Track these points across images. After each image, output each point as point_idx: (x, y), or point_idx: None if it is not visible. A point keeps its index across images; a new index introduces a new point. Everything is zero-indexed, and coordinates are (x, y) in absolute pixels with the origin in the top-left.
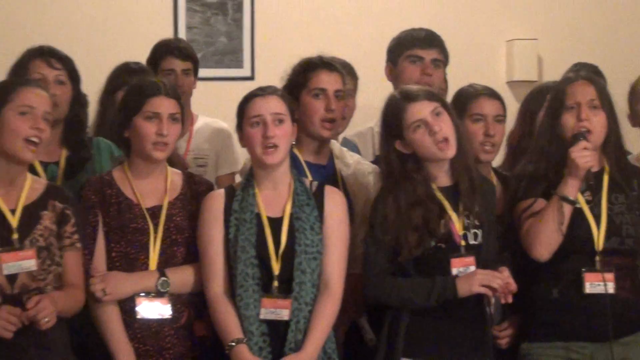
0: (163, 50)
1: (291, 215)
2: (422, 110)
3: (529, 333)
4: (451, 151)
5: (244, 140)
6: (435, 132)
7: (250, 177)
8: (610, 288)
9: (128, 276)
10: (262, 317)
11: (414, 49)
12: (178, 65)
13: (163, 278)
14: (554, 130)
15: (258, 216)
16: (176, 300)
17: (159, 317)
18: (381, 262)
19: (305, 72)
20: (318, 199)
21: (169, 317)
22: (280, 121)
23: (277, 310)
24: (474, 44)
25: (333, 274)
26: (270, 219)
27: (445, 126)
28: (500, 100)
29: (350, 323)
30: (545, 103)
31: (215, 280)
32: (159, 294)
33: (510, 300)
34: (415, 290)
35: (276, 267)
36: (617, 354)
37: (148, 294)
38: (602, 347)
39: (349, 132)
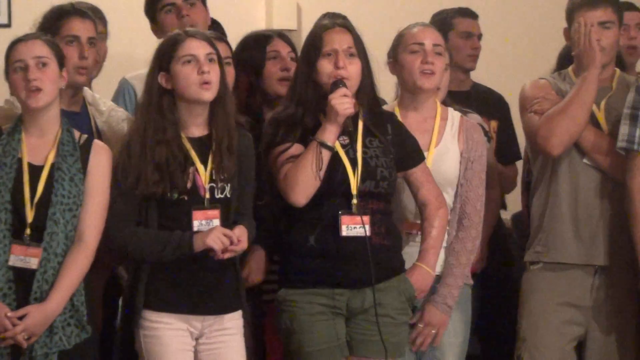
0: None
1: (53, 164)
2: (198, 48)
3: (286, 279)
4: (210, 94)
5: (12, 88)
6: (203, 72)
7: (19, 122)
8: (368, 230)
9: None
10: (10, 263)
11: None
12: None
13: None
14: (311, 76)
15: (20, 161)
16: None
17: None
18: (123, 210)
19: (58, 19)
20: (84, 151)
21: None
22: (44, 64)
23: (26, 258)
24: None
25: (89, 227)
26: (31, 166)
27: (214, 72)
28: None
29: (109, 273)
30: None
31: None
32: None
33: (227, 256)
34: (152, 242)
35: (30, 215)
36: (372, 299)
37: None
38: (358, 293)
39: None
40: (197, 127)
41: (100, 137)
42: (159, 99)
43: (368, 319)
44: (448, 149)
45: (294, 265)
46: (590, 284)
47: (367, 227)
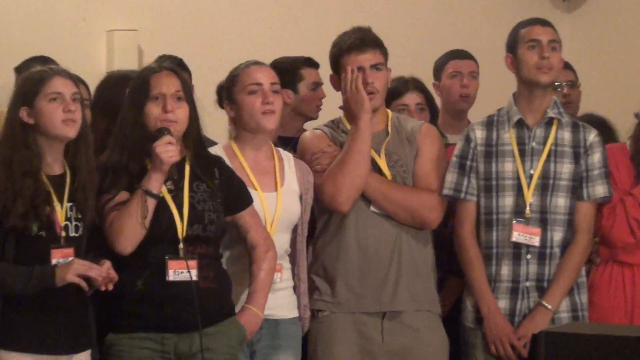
0: None
1: None
2: (65, 86)
3: (115, 324)
4: (74, 132)
5: None
6: (69, 110)
7: None
8: (194, 275)
9: None
10: None
11: None
12: None
13: None
14: (138, 120)
15: None
16: None
17: None
18: None
19: None
20: None
21: None
22: None
23: None
24: (74, 34)
25: None
26: None
27: (78, 112)
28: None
29: None
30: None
31: None
32: None
33: (110, 287)
34: (12, 277)
35: None
36: (199, 344)
37: None
38: (186, 337)
39: None
40: (53, 165)
41: None
42: (23, 132)
43: None
44: (292, 189)
45: (122, 309)
46: (380, 329)
47: (194, 271)
